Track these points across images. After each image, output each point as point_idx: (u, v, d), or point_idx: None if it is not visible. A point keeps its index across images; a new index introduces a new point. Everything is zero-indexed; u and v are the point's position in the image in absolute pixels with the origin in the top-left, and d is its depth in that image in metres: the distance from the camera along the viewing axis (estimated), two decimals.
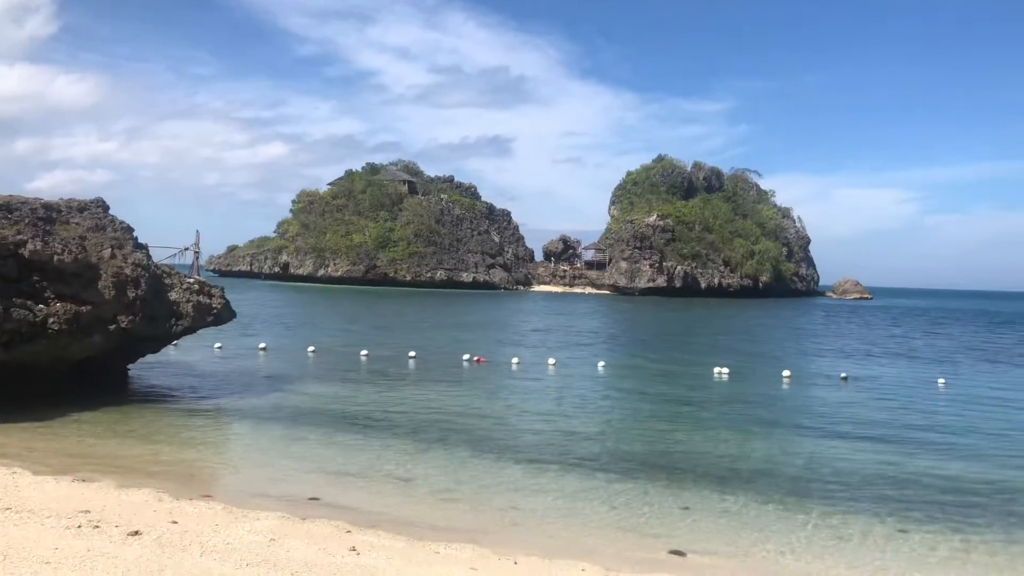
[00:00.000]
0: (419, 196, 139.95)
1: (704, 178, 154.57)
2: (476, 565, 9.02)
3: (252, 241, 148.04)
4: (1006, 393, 27.25)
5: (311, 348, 32.11)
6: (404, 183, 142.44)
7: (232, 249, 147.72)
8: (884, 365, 35.67)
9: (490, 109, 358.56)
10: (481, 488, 13.14)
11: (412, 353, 31.46)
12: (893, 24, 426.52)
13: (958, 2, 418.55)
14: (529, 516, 11.73)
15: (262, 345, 32.58)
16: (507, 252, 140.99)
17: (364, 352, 31.31)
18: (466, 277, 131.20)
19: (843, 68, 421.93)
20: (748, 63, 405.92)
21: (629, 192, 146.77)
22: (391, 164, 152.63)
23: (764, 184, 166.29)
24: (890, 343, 48.91)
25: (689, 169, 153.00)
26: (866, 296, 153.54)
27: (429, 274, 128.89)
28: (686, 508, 12.38)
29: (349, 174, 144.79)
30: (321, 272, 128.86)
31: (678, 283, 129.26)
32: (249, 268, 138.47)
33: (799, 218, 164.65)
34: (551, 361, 31.11)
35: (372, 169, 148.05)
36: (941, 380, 29.31)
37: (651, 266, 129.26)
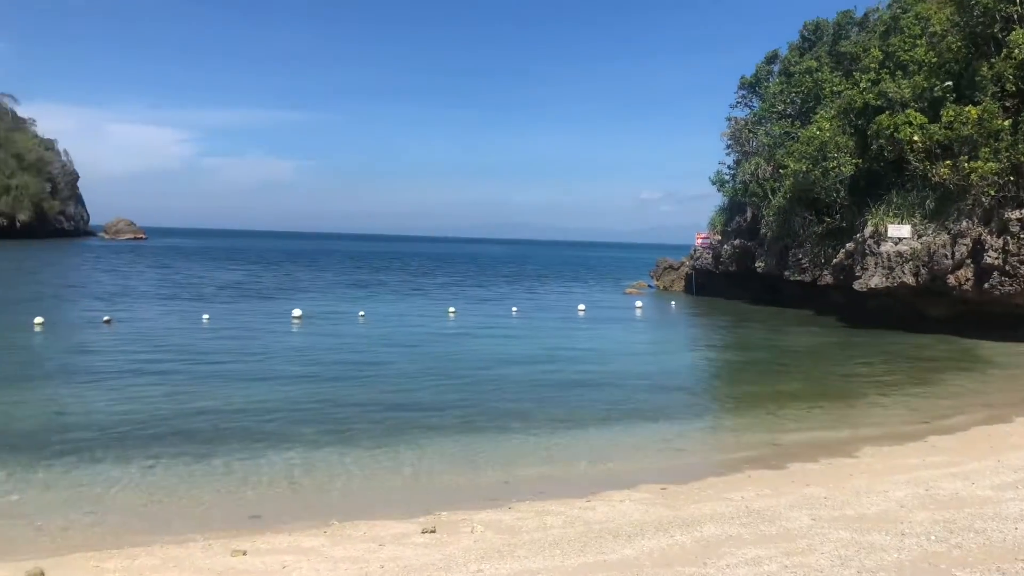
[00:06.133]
0: None
1: None
2: None
3: None
4: (262, 322, 30.13)
5: None
6: None
7: None
8: (150, 304, 35.48)
9: None
10: None
11: None
12: None
13: None
14: None
15: None
16: None
17: None
18: None
19: None
20: None
21: None
22: None
23: (23, 112, 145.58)
24: (158, 282, 49.13)
25: None
26: (141, 236, 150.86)
27: None
28: None
29: None
30: None
31: None
32: None
33: (66, 152, 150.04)
34: None
35: None
36: (206, 316, 30.53)
37: None
